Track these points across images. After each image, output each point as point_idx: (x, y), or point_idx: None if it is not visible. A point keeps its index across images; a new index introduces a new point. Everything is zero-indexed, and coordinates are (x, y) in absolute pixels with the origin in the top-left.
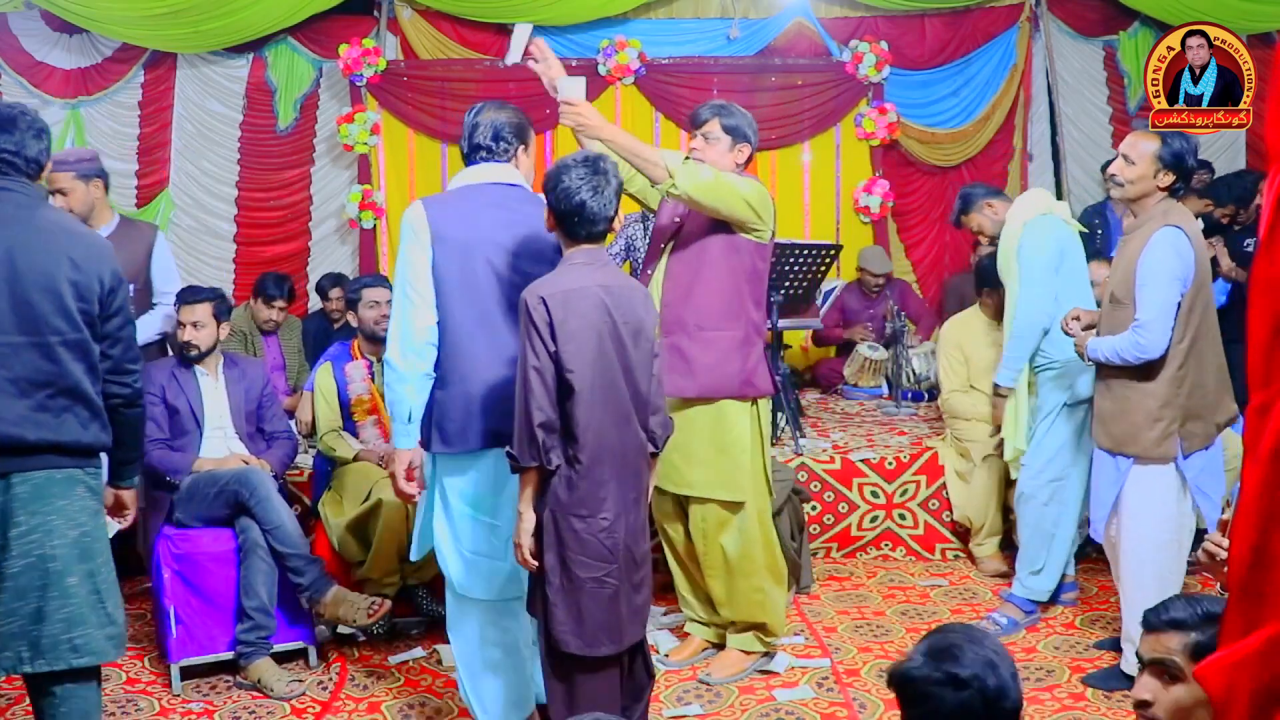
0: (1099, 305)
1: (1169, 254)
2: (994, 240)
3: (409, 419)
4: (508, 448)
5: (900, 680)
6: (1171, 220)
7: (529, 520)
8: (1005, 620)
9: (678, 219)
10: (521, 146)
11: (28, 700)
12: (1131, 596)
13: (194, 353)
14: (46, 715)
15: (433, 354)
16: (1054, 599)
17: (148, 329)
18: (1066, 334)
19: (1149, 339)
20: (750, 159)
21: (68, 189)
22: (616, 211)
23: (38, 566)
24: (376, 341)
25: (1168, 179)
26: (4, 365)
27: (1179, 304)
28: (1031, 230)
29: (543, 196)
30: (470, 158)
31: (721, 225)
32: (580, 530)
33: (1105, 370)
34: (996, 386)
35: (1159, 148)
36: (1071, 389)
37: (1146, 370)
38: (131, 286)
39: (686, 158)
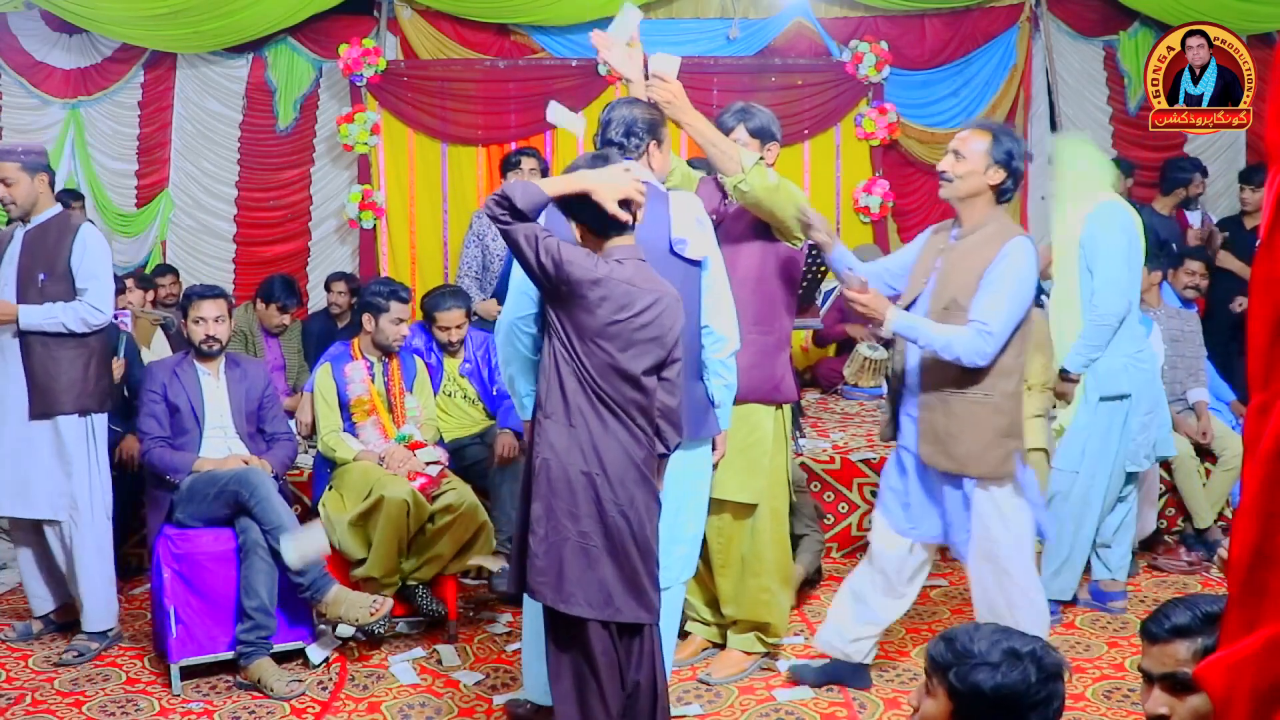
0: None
1: (1026, 269)
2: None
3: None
4: None
5: (1006, 696)
6: (1018, 232)
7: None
8: None
9: (715, 215)
10: (654, 142)
11: (28, 699)
12: (1022, 615)
13: (216, 347)
14: None
15: (525, 339)
16: (1102, 602)
17: (41, 315)
18: (854, 301)
19: (993, 347)
20: (777, 155)
21: (12, 180)
22: None
23: None
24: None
25: (997, 176)
26: None
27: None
28: (1097, 219)
29: (603, 206)
30: None
31: (761, 228)
32: (574, 481)
33: (937, 385)
34: (1064, 371)
35: (990, 144)
36: (1096, 384)
37: (988, 387)
38: (42, 275)
39: (760, 158)
